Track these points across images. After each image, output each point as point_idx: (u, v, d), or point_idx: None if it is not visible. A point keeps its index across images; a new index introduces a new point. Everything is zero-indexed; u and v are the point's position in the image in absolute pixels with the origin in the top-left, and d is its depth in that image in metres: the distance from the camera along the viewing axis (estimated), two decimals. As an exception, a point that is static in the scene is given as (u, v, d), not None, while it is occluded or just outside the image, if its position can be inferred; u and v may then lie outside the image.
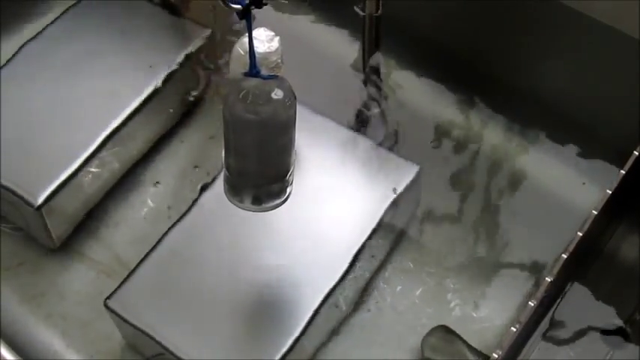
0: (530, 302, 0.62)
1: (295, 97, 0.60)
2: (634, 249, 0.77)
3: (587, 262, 0.75)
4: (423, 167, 0.80)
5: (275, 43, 0.58)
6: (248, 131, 0.61)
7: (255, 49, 0.58)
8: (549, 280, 0.63)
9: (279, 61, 0.59)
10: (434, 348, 0.74)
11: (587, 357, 0.71)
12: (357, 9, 0.89)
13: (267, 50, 0.58)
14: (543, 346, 0.71)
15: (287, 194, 0.66)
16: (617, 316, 0.72)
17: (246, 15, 0.57)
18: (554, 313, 0.72)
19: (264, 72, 0.59)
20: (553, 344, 0.72)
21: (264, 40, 0.58)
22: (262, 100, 0.59)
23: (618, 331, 0.72)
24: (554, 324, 0.72)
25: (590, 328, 0.72)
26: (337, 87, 0.93)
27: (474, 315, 0.78)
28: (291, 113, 0.61)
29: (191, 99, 0.92)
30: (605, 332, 0.72)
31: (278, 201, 0.66)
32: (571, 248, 0.65)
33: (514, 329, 0.61)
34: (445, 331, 0.75)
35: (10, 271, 0.82)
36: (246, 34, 0.59)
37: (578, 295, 0.74)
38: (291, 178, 0.65)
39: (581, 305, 0.73)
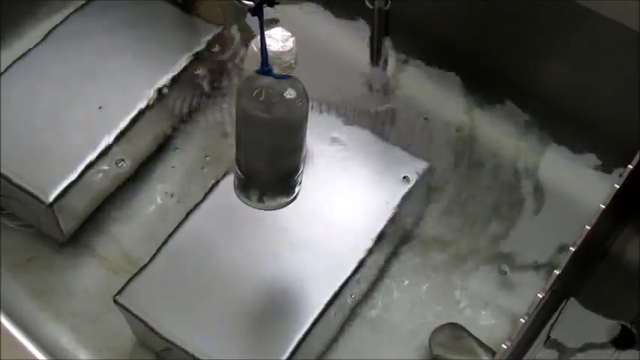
0: (538, 294, 0.63)
1: (308, 99, 0.62)
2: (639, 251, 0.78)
3: (593, 263, 0.76)
4: (432, 164, 0.82)
5: (290, 43, 0.59)
6: (259, 129, 0.62)
7: (269, 47, 0.60)
8: (557, 272, 0.64)
9: (293, 61, 0.61)
10: (442, 345, 0.76)
11: (594, 357, 0.72)
12: (367, 2, 0.90)
13: (281, 49, 0.60)
14: (549, 346, 0.72)
15: (296, 193, 0.68)
16: (623, 318, 0.73)
17: (257, 12, 0.59)
18: (560, 312, 0.74)
19: (276, 71, 0.61)
20: (559, 344, 0.72)
21: (279, 39, 0.60)
22: (275, 99, 0.60)
23: (626, 340, 0.73)
24: (560, 324, 0.73)
25: (596, 330, 0.73)
26: (346, 84, 0.94)
27: (482, 312, 0.80)
28: (303, 114, 0.62)
29: (201, 96, 0.94)
30: (614, 343, 0.73)
31: (287, 199, 0.68)
32: (579, 241, 0.66)
33: (522, 320, 0.62)
34: (454, 327, 0.77)
35: (20, 267, 0.84)
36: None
37: (584, 296, 0.74)
38: (300, 177, 0.67)
39: (588, 306, 0.74)
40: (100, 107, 0.86)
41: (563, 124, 0.91)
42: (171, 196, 0.89)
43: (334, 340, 0.79)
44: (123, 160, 0.87)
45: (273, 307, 0.74)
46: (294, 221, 0.77)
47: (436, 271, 0.83)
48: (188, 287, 0.75)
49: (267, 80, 0.61)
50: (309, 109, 0.63)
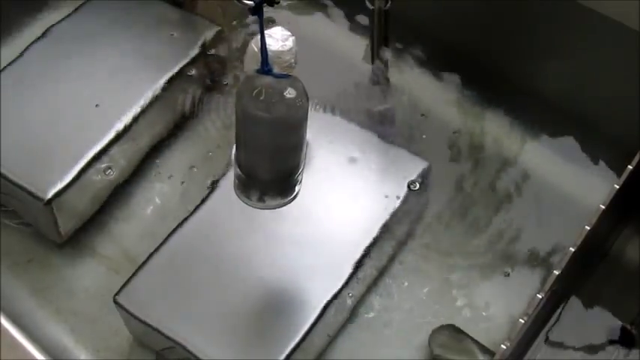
0: (538, 295, 0.63)
1: (308, 98, 0.62)
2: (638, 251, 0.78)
3: (593, 263, 0.76)
4: (432, 163, 0.82)
5: (289, 43, 0.59)
6: (259, 128, 0.62)
7: (268, 46, 0.60)
8: (557, 272, 0.65)
9: (293, 61, 0.61)
10: (442, 345, 0.76)
11: (593, 358, 0.73)
12: (367, 2, 0.90)
13: (281, 49, 0.60)
14: (549, 346, 0.73)
15: (296, 192, 0.68)
16: (623, 319, 0.74)
17: (257, 11, 0.59)
18: (560, 313, 0.74)
19: (276, 71, 0.61)
20: (559, 344, 0.73)
21: (279, 38, 0.60)
22: (275, 99, 0.60)
23: (626, 340, 0.73)
24: (560, 324, 0.74)
25: (596, 330, 0.73)
26: (346, 84, 0.95)
27: (482, 313, 0.80)
28: (302, 113, 0.63)
29: (200, 95, 0.94)
30: (614, 343, 0.73)
31: (287, 199, 0.68)
32: (579, 242, 0.66)
33: (522, 321, 0.63)
34: (453, 329, 0.77)
35: (19, 266, 0.85)
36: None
37: (584, 296, 0.75)
38: (300, 176, 0.67)
39: (587, 307, 0.74)
40: (96, 105, 0.86)
41: (563, 124, 0.91)
42: (171, 194, 0.89)
43: (334, 339, 0.79)
44: (122, 158, 0.87)
45: (273, 306, 0.74)
46: (294, 220, 0.77)
47: (435, 272, 0.83)
48: (188, 286, 0.75)
49: (267, 80, 0.61)
50: (309, 108, 0.63)
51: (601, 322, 0.74)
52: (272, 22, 0.95)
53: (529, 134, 0.91)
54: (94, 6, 0.94)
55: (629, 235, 0.79)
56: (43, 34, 0.92)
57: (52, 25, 0.92)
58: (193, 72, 0.92)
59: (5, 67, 0.89)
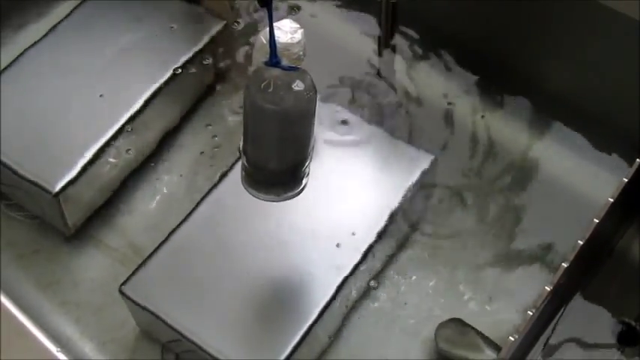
0: (546, 287, 0.64)
1: (316, 91, 0.62)
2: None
3: (599, 261, 0.76)
4: (438, 157, 0.83)
5: (298, 35, 0.60)
6: (267, 121, 0.63)
7: (277, 39, 0.60)
8: (565, 265, 0.65)
9: (301, 53, 0.61)
10: (448, 340, 0.77)
11: (597, 357, 0.73)
12: None
13: (290, 41, 0.60)
14: (554, 342, 0.72)
15: (303, 185, 0.68)
16: (628, 316, 0.73)
17: (267, 3, 0.59)
18: (564, 310, 0.74)
19: (284, 63, 0.61)
20: (564, 341, 0.73)
21: (288, 31, 0.60)
22: (283, 91, 0.61)
23: (631, 337, 0.73)
24: (564, 321, 0.73)
25: (600, 328, 0.73)
26: (354, 76, 0.95)
27: (488, 308, 0.80)
28: (311, 106, 0.63)
29: (208, 88, 0.95)
30: (618, 340, 0.73)
31: (294, 192, 0.68)
32: (587, 235, 0.66)
33: (530, 313, 0.63)
34: (460, 322, 0.78)
35: (25, 258, 0.85)
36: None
37: (588, 294, 0.75)
38: (307, 169, 0.68)
39: (591, 304, 0.74)
40: (102, 97, 0.86)
41: (572, 117, 0.91)
42: (178, 187, 0.90)
43: (340, 332, 0.80)
44: (129, 150, 0.87)
45: (278, 298, 0.75)
46: (301, 213, 0.78)
47: (442, 266, 0.83)
48: (194, 278, 0.76)
49: (275, 72, 0.61)
50: (317, 100, 0.64)
51: (606, 319, 0.74)
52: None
53: (538, 128, 0.91)
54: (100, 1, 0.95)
55: (633, 234, 0.79)
56: (51, 29, 0.92)
57: (60, 20, 0.93)
58: (200, 65, 0.92)
59: (13, 60, 0.89)
